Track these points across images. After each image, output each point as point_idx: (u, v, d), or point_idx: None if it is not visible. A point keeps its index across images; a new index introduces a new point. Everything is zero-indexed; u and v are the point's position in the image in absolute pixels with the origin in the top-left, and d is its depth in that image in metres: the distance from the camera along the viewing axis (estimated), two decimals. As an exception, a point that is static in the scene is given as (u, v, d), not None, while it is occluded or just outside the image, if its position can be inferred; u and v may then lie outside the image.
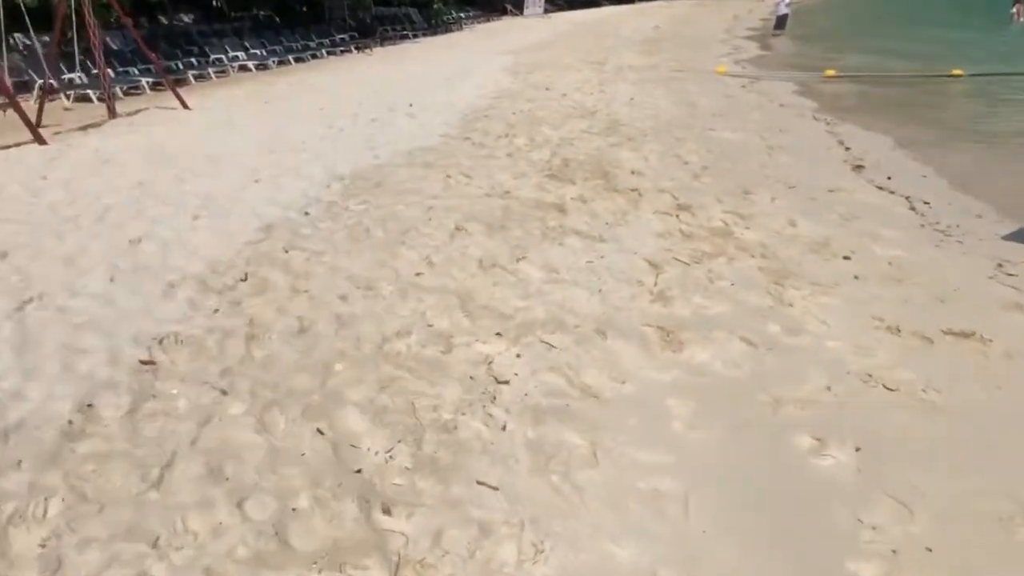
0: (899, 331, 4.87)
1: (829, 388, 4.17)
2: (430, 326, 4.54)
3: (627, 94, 15.04)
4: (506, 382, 3.98)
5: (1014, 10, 29.64)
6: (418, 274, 5.39)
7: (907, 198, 8.19)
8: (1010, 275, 5.98)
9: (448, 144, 10.04)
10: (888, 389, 4.18)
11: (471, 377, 3.99)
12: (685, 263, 5.84)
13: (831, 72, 18.39)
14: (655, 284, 5.42)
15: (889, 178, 9.01)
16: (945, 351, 4.64)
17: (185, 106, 14.37)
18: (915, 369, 4.39)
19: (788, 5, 31.19)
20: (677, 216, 7.02)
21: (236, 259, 5.80)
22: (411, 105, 13.23)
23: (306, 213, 6.91)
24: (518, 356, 4.25)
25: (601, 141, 10.42)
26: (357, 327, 4.53)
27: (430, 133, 10.82)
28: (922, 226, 7.27)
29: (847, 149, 10.57)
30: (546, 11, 48.13)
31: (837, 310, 5.15)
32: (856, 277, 5.73)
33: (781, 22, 30.63)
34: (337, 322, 4.61)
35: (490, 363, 4.18)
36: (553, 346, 4.38)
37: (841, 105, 14.62)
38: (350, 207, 7.09)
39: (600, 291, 5.23)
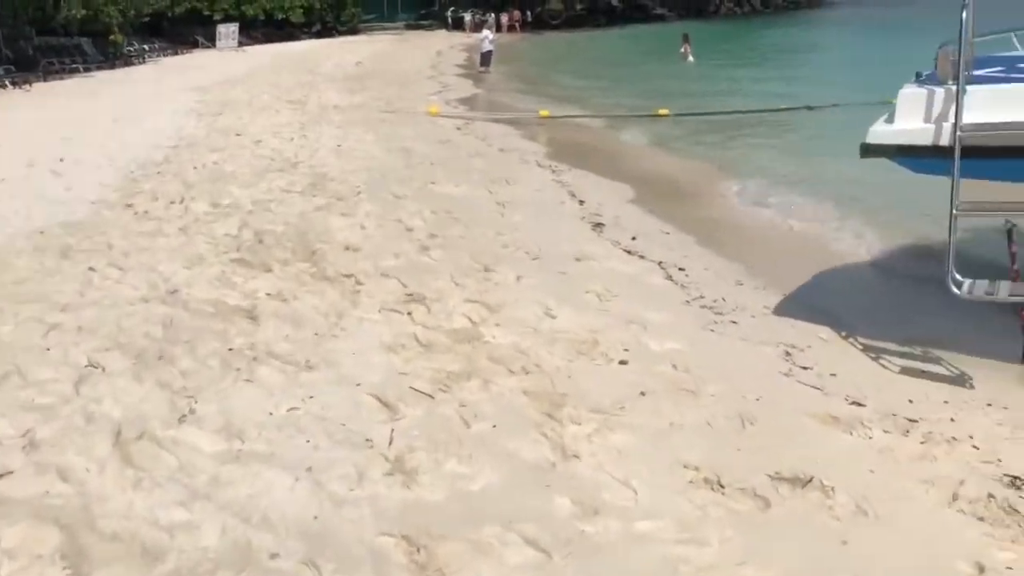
0: (721, 487, 3.59)
1: (671, 630, 2.74)
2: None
3: (333, 139, 13.33)
4: None
5: (682, 50, 31.51)
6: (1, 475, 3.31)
7: (660, 264, 7.24)
8: (804, 368, 5.03)
9: (101, 215, 7.72)
10: (749, 615, 2.84)
11: None
12: (428, 395, 4.24)
13: (545, 113, 17.91)
14: (391, 442, 3.76)
15: (634, 238, 8.08)
16: (788, 517, 3.42)
17: None
18: (767, 562, 3.10)
19: (491, 42, 31.15)
20: (409, 314, 5.42)
21: None
22: (61, 160, 10.54)
23: None
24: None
25: (305, 203, 8.61)
26: None
27: (79, 198, 8.39)
28: (687, 302, 6.27)
29: (581, 203, 9.64)
30: (241, 44, 44.99)
31: (635, 457, 3.79)
32: (643, 393, 4.45)
33: (486, 59, 30.46)
34: None
35: None
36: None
37: (563, 149, 13.93)
38: (-81, 336, 4.74)
39: (310, 469, 3.47)
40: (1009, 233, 5.19)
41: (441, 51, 42.01)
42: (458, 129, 15.82)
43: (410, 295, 5.76)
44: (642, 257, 7.45)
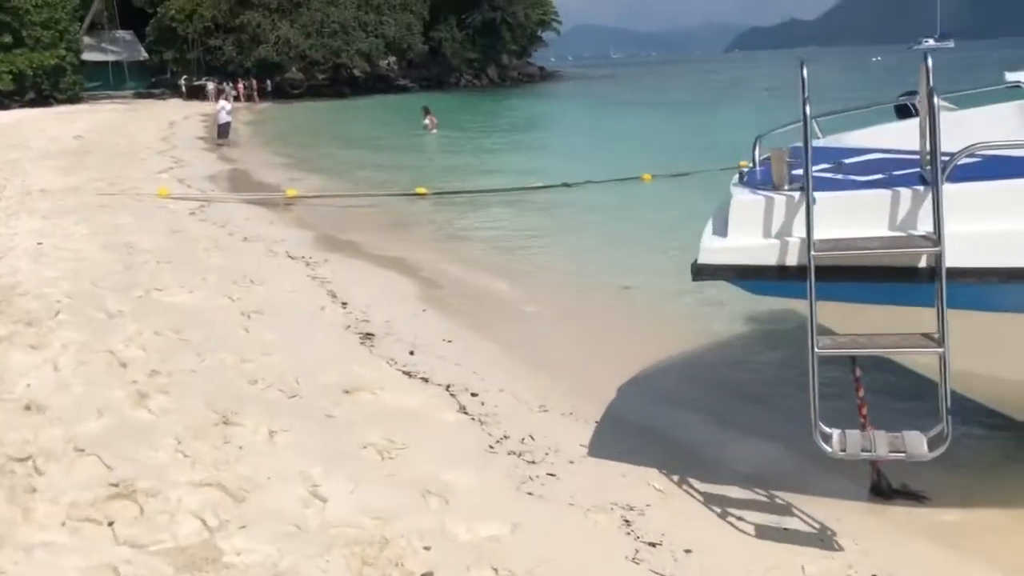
0: None
1: None
2: None
3: (34, 235, 11.00)
4: None
5: (426, 121, 30.93)
6: None
7: (448, 389, 6.02)
8: (653, 545, 3.96)
9: None
10: None
11: None
12: None
13: (293, 192, 16.35)
14: None
15: (412, 352, 6.83)
16: None
17: None
18: None
19: (229, 113, 29.06)
20: (111, 524, 3.76)
21: None
22: None
23: None
24: None
25: (-23, 333, 6.55)
26: None
27: None
28: (491, 447, 5.07)
29: (344, 305, 8.26)
30: (-68, 113, 39.25)
31: None
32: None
33: (224, 130, 28.32)
34: None
35: None
36: None
37: (317, 235, 12.48)
38: None
39: None
40: (852, 360, 4.44)
41: (175, 122, 38.99)
42: (192, 214, 13.89)
43: (115, 485, 4.08)
44: (425, 380, 6.19)
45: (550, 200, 15.82)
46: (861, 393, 4.33)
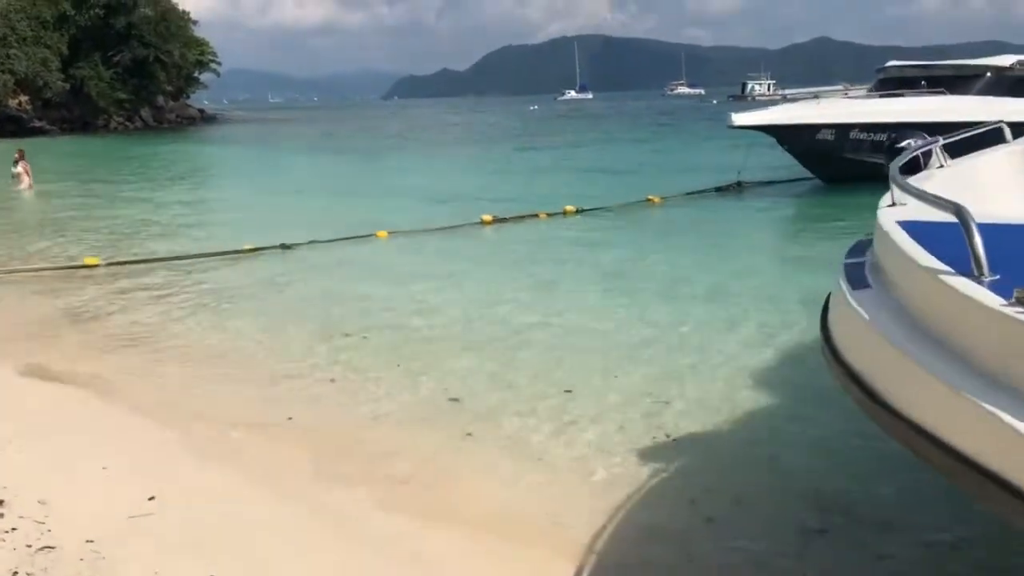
0: None
1: None
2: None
3: None
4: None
5: (17, 170, 23.23)
6: None
7: None
8: None
9: None
10: None
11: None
12: None
13: None
14: None
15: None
16: None
17: None
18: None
19: None
20: None
21: None
22: None
23: None
24: None
25: None
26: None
27: None
28: None
29: (-5, 513, 4.45)
30: None
31: None
32: None
33: None
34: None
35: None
36: None
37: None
38: None
39: None
40: None
41: None
42: None
43: None
44: None
45: (269, 266, 12.39)
46: None
